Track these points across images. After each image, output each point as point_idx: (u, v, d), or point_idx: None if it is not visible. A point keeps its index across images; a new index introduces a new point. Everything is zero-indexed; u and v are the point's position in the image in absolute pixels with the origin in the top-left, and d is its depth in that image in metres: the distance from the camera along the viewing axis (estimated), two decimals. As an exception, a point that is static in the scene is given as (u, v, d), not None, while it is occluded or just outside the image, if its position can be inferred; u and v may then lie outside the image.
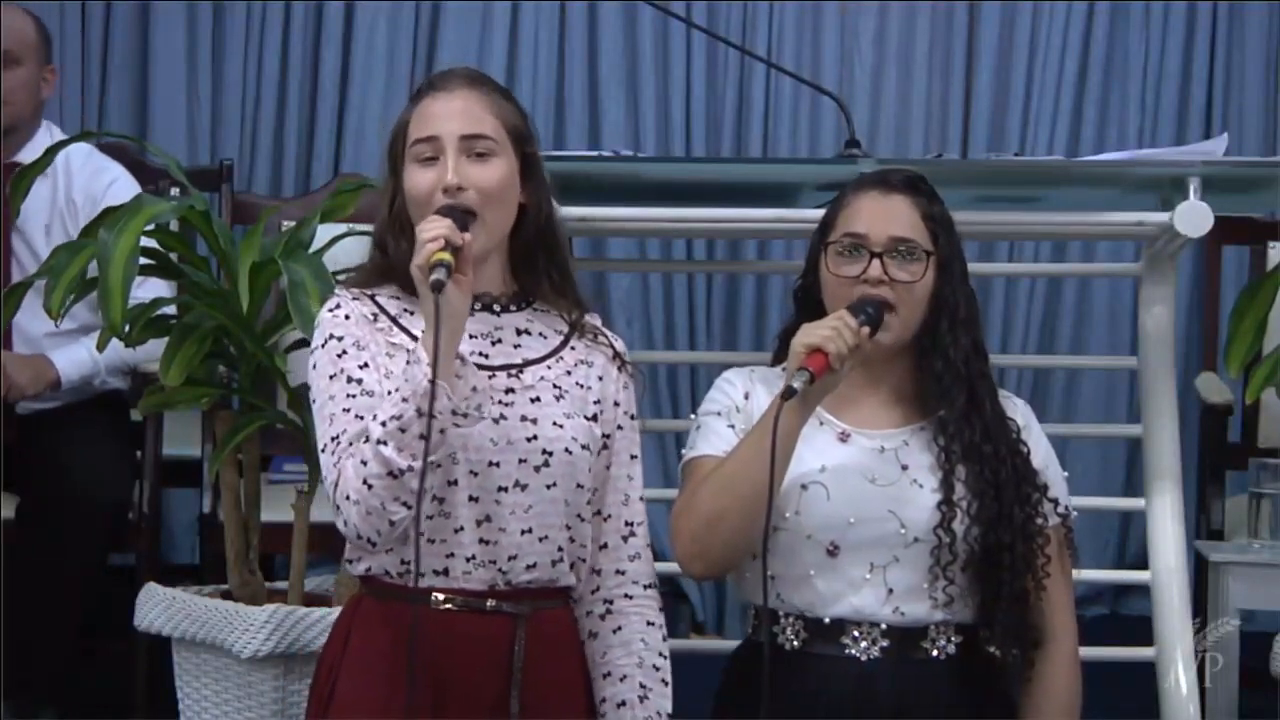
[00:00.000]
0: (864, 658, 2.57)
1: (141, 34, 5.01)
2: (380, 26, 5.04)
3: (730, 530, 2.53)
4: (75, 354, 3.82)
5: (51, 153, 3.34)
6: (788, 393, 2.43)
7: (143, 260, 2.99)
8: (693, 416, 2.72)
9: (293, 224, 3.14)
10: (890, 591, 2.56)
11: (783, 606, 2.60)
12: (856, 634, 2.57)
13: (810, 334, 2.48)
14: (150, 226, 2.93)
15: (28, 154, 3.82)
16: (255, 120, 5.05)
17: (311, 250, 3.01)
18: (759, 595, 2.62)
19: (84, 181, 3.92)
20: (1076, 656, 2.66)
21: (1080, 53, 5.11)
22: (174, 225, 3.14)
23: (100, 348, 3.09)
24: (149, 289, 3.44)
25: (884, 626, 2.57)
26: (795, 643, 2.59)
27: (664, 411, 5.01)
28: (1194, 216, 3.02)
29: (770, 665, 2.55)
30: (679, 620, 4.89)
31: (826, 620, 2.57)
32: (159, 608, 3.04)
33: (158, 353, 2.99)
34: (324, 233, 3.11)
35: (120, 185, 3.89)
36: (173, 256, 3.11)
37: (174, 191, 3.72)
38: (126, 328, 2.93)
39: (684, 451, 2.68)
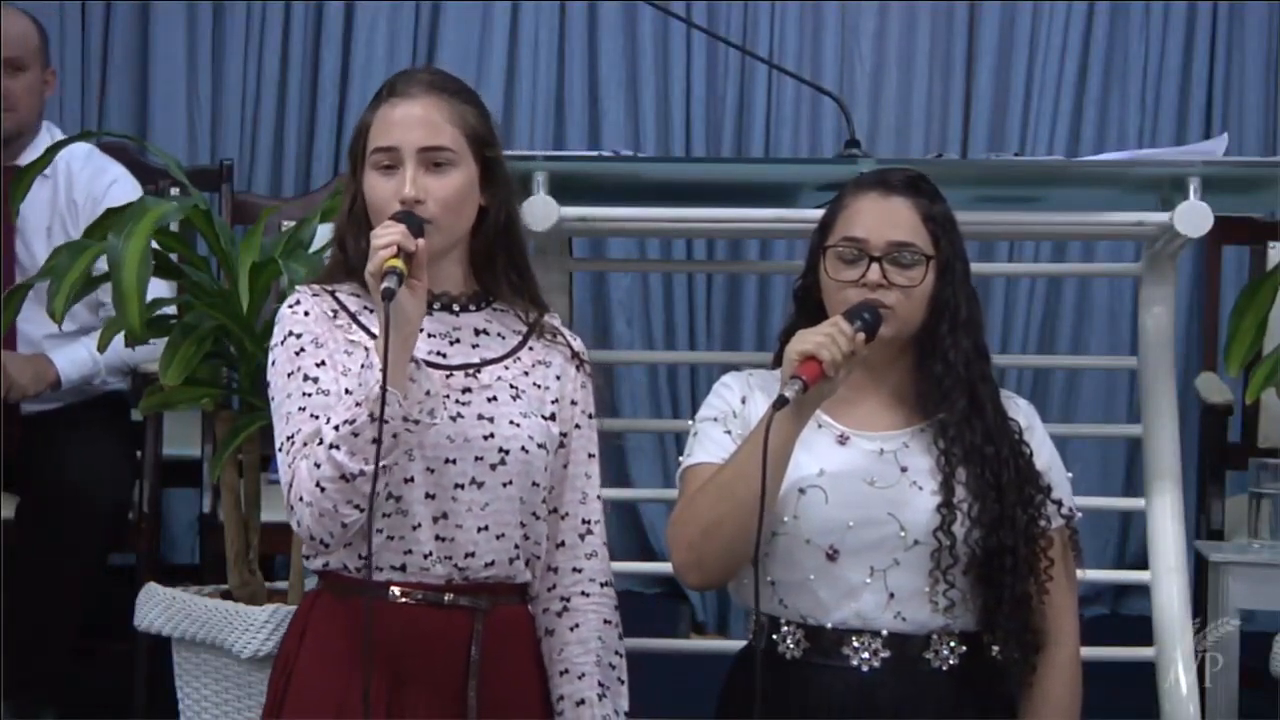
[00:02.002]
0: (864, 668, 2.56)
1: (141, 34, 5.01)
2: (380, 26, 5.04)
3: (726, 539, 2.51)
4: (75, 354, 3.82)
5: (51, 152, 3.34)
6: (780, 402, 2.42)
7: (146, 261, 3.00)
8: (691, 422, 2.71)
9: (293, 224, 3.15)
10: (891, 596, 2.55)
11: (784, 613, 2.59)
12: (857, 644, 2.56)
13: (804, 341, 2.46)
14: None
15: (29, 157, 3.81)
16: (255, 120, 5.05)
17: (311, 250, 3.02)
18: (762, 601, 2.62)
19: (85, 182, 3.92)
20: (1078, 660, 2.65)
21: (1080, 53, 5.10)
22: (174, 225, 3.14)
23: (102, 348, 3.09)
24: (153, 289, 3.44)
25: (885, 635, 2.55)
26: (796, 652, 2.59)
27: (664, 412, 5.01)
28: (1194, 216, 3.02)
29: (770, 675, 2.55)
30: (679, 620, 4.89)
31: (828, 626, 2.57)
32: (159, 608, 3.04)
33: (158, 353, 2.99)
34: (324, 233, 3.10)
35: (121, 185, 3.89)
36: (173, 256, 3.11)
37: (174, 191, 3.72)
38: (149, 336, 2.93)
39: (681, 459, 2.67)
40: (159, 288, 3.46)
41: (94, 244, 2.92)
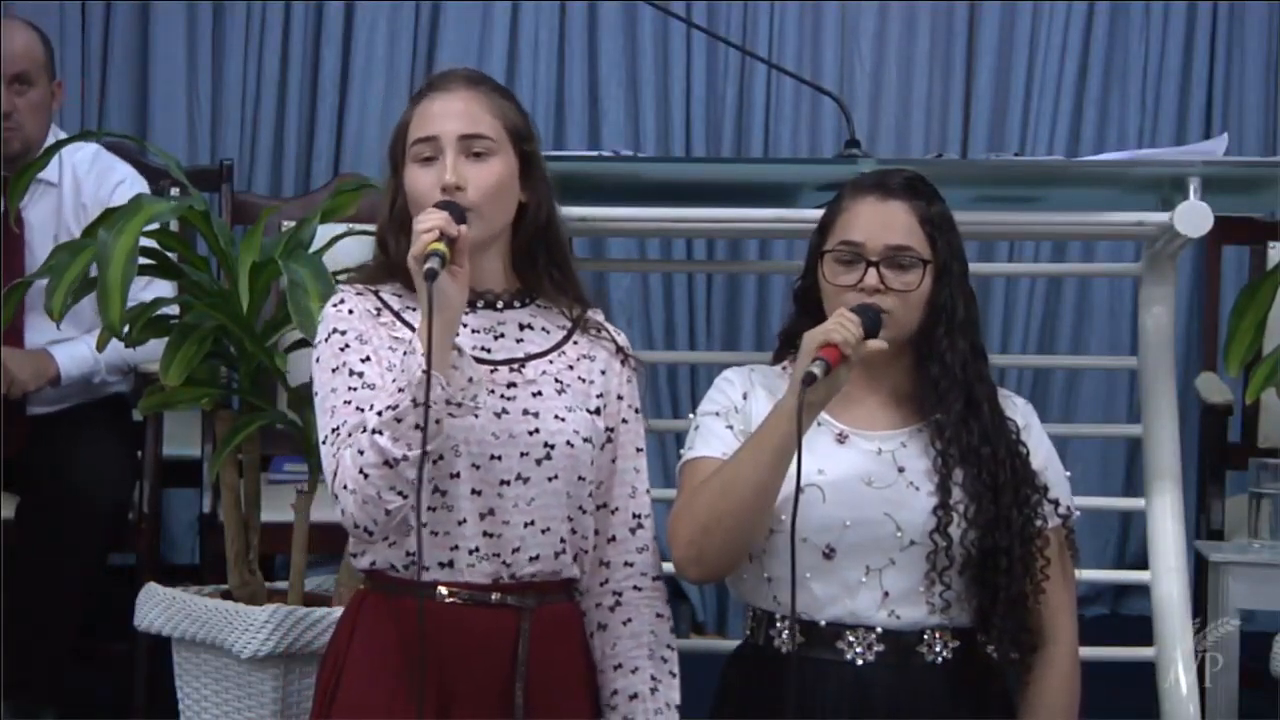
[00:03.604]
0: (859, 662, 2.57)
1: (141, 34, 5.01)
2: (380, 26, 5.04)
3: (727, 534, 2.52)
4: (76, 350, 3.81)
5: (50, 152, 3.33)
6: (808, 378, 2.42)
7: (143, 260, 2.99)
8: (691, 416, 2.71)
9: (293, 224, 3.14)
10: (886, 595, 2.56)
11: (779, 609, 2.60)
12: (852, 638, 2.57)
13: (817, 333, 2.47)
14: (150, 226, 2.93)
15: (38, 169, 3.80)
16: (255, 120, 5.04)
17: (311, 250, 3.01)
18: (756, 596, 2.64)
19: (92, 186, 3.89)
20: (1076, 659, 2.65)
21: (1080, 53, 5.11)
22: (174, 225, 3.14)
23: (100, 348, 3.09)
24: (153, 290, 3.44)
25: (879, 631, 2.56)
26: (790, 646, 2.59)
27: (664, 411, 5.01)
28: (1194, 216, 3.02)
29: (765, 669, 2.56)
30: (679, 620, 4.88)
31: (823, 623, 2.57)
32: (159, 608, 3.04)
33: (158, 353, 2.99)
34: (324, 233, 3.11)
35: (128, 186, 3.86)
36: (173, 256, 3.11)
37: (174, 191, 3.71)
38: (126, 328, 2.93)
39: (682, 452, 2.68)
40: (159, 288, 3.46)
41: (92, 243, 2.92)
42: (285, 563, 3.21)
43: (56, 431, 3.81)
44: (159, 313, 3.06)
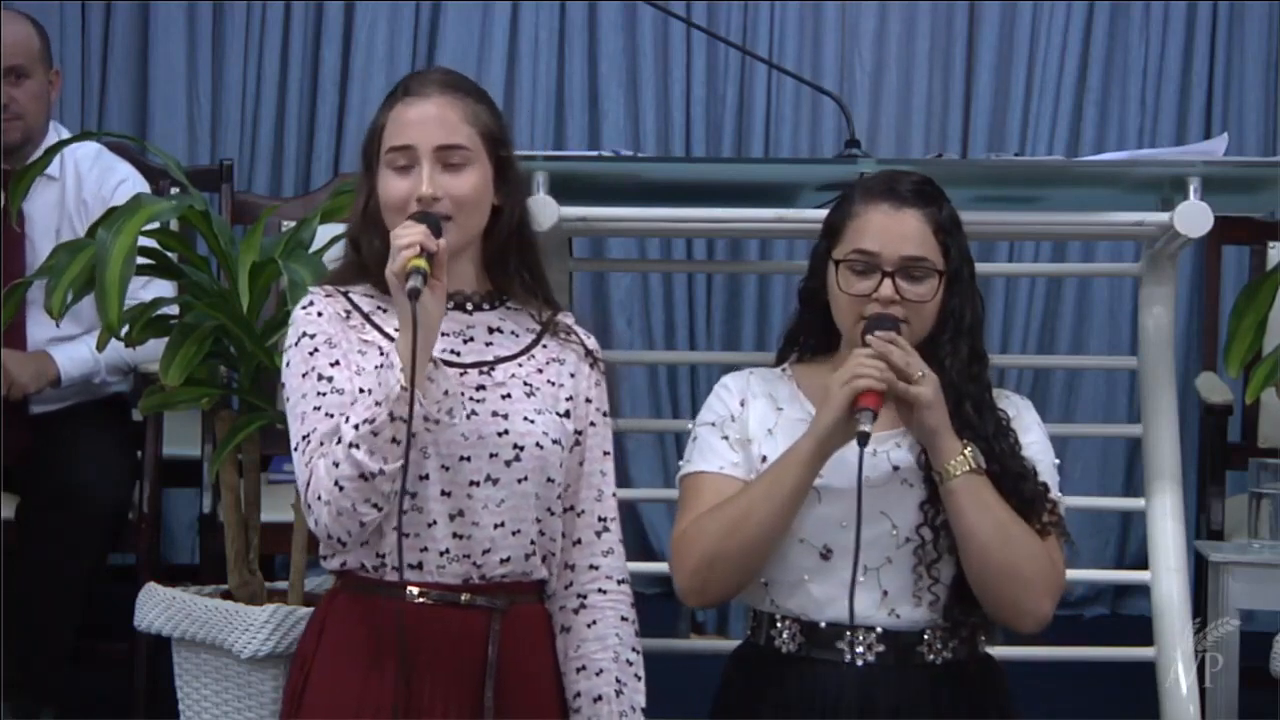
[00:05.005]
0: (860, 662, 2.57)
1: (141, 34, 5.02)
2: (380, 26, 5.05)
3: (734, 568, 2.55)
4: (76, 351, 3.81)
5: (52, 152, 3.33)
6: (863, 438, 2.44)
7: (143, 260, 2.99)
8: (690, 425, 2.71)
9: (293, 224, 3.15)
10: (885, 594, 2.56)
11: (779, 611, 2.61)
12: (852, 639, 2.57)
13: (853, 375, 2.48)
14: (150, 226, 2.93)
15: None
16: (255, 120, 5.05)
17: (311, 250, 3.02)
18: (754, 599, 2.64)
19: (94, 183, 3.90)
20: (1059, 557, 2.60)
21: (1080, 53, 5.11)
22: (174, 225, 3.14)
23: (100, 348, 3.09)
24: (153, 289, 3.44)
25: (879, 631, 2.57)
26: (792, 646, 2.59)
27: (664, 412, 5.01)
28: (1194, 216, 3.02)
29: (766, 670, 2.56)
30: (679, 620, 4.88)
31: (822, 624, 2.57)
32: (159, 608, 3.04)
33: (158, 353, 2.99)
34: (324, 233, 3.10)
35: (130, 185, 3.87)
36: (173, 256, 3.11)
37: (174, 191, 3.71)
38: (125, 328, 2.93)
39: (681, 464, 2.68)
40: (159, 287, 3.46)
41: (92, 243, 2.92)
42: (285, 563, 3.21)
43: (56, 431, 3.81)
44: (159, 313, 3.06)
